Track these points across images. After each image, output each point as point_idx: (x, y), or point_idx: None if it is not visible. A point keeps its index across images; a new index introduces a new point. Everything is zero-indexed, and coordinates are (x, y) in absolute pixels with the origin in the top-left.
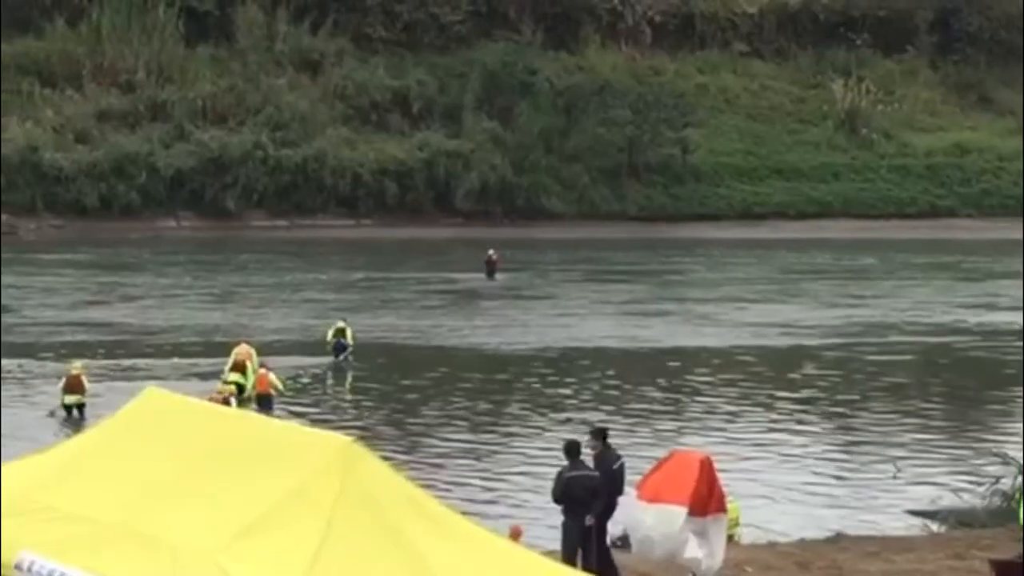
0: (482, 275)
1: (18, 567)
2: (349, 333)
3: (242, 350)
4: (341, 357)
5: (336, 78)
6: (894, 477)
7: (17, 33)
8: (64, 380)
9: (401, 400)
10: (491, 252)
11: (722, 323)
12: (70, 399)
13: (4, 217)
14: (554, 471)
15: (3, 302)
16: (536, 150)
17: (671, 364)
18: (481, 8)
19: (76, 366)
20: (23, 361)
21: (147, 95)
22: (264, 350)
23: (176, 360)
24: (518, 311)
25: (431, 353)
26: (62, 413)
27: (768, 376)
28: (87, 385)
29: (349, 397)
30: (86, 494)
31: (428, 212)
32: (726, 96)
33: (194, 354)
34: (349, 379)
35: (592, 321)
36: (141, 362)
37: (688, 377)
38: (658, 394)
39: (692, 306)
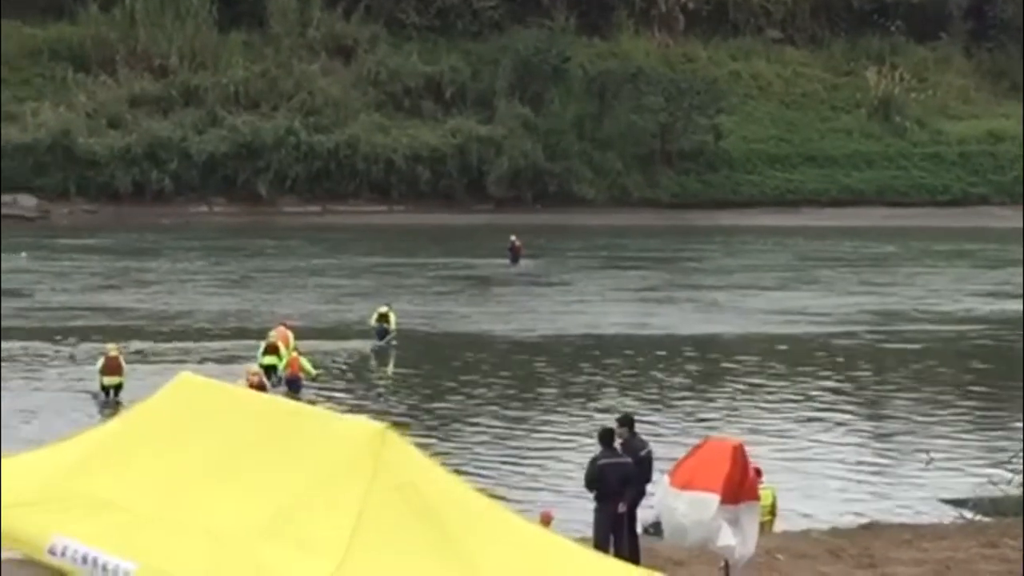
0: (505, 261)
1: (51, 552)
2: (392, 318)
3: (280, 332)
4: (384, 341)
5: (369, 64)
6: (926, 465)
7: (51, 18)
8: (102, 362)
9: (426, 385)
10: (514, 238)
11: (733, 310)
12: (109, 380)
13: (36, 201)
14: (583, 458)
15: (18, 286)
16: (568, 136)
17: (686, 352)
18: None
19: (113, 348)
20: (30, 344)
21: (180, 80)
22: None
23: (187, 344)
24: (529, 298)
25: (441, 339)
26: (100, 395)
27: (785, 363)
28: (124, 366)
29: (381, 382)
30: (120, 480)
31: (460, 198)
32: (759, 83)
33: (205, 338)
34: (391, 364)
35: (603, 308)
36: (156, 346)
37: (703, 365)
38: (677, 381)
39: (705, 293)
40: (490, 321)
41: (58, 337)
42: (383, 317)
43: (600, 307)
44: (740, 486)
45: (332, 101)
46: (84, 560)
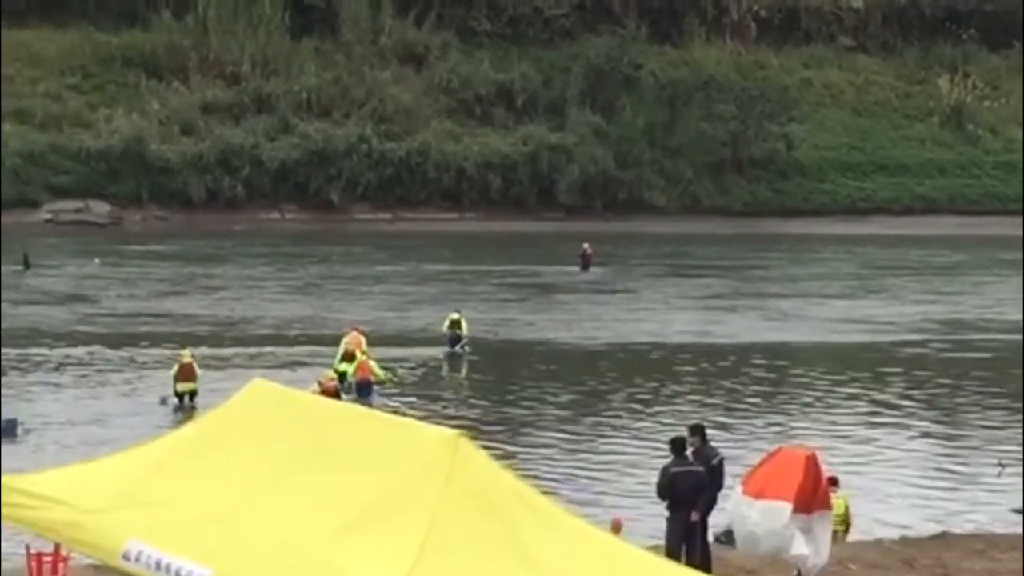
0: (573, 268)
1: (125, 556)
2: (464, 324)
3: (353, 338)
4: (456, 348)
5: (440, 71)
6: (998, 474)
7: (124, 25)
8: (177, 368)
9: (495, 392)
10: (586, 246)
11: (798, 319)
12: (183, 387)
13: (109, 208)
14: (652, 465)
15: (84, 292)
16: (639, 144)
17: (753, 360)
18: (586, 2)
19: (187, 354)
20: (96, 349)
21: (252, 87)
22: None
23: (252, 349)
24: (595, 305)
25: (508, 347)
26: (174, 400)
27: (852, 371)
28: (199, 372)
29: (452, 389)
30: (194, 485)
31: (531, 206)
32: (831, 91)
33: (271, 343)
34: (463, 370)
35: (669, 316)
36: (222, 352)
37: (771, 373)
38: (746, 389)
39: (770, 301)
40: (556, 328)
41: (125, 343)
42: (455, 324)
43: (666, 315)
44: (813, 495)
45: (403, 108)
46: (158, 566)
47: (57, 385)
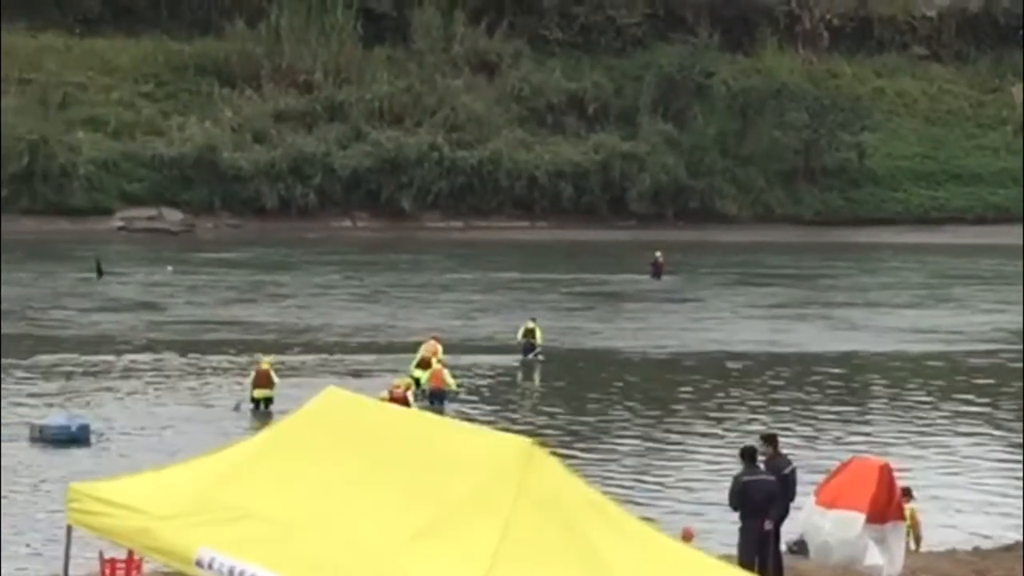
0: (644, 277)
1: (198, 563)
2: (538, 333)
3: (430, 346)
4: (530, 356)
5: (512, 80)
6: None
7: (197, 33)
8: (253, 374)
9: (566, 401)
10: (658, 255)
11: (865, 328)
12: (259, 393)
13: (181, 216)
14: (725, 474)
15: (152, 299)
16: (711, 153)
17: (821, 369)
18: (658, 11)
19: (265, 361)
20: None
21: (324, 96)
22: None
23: (322, 356)
24: (663, 314)
25: (577, 355)
26: (248, 406)
27: (922, 380)
28: (275, 380)
29: (524, 397)
30: (267, 492)
31: (602, 214)
32: (904, 100)
33: (339, 351)
34: (536, 379)
35: (737, 325)
36: (291, 359)
37: (840, 382)
38: (814, 397)
39: (837, 311)
40: (626, 337)
41: (194, 350)
42: (530, 332)
43: (733, 324)
44: (887, 506)
45: (475, 117)
46: (231, 573)
47: (128, 392)
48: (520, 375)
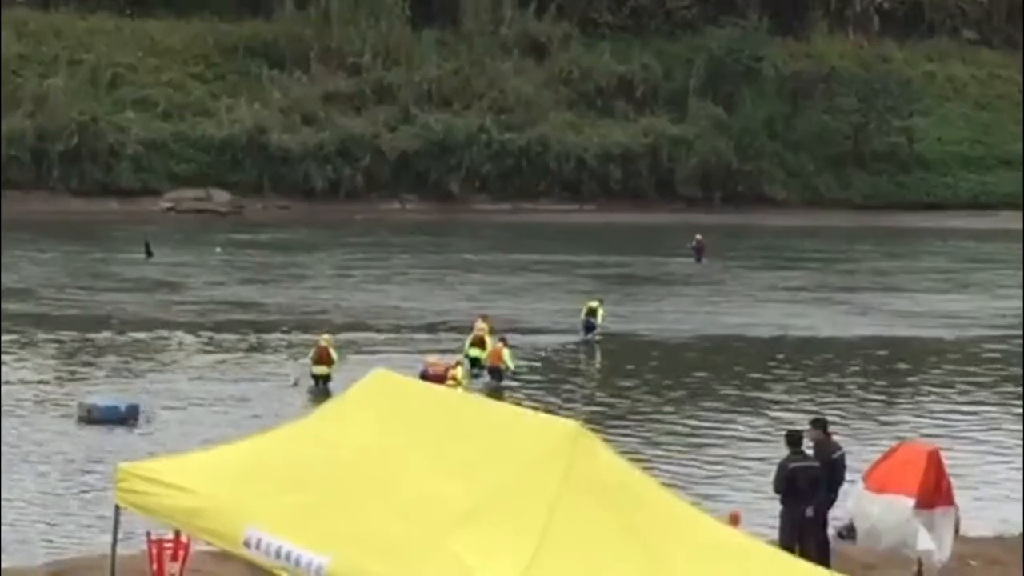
0: (689, 260)
1: (246, 544)
2: (600, 313)
3: (484, 324)
4: (589, 336)
5: (561, 62)
6: None
7: (247, 15)
8: (314, 351)
9: (613, 383)
10: (699, 237)
11: (877, 311)
12: (318, 370)
13: (229, 197)
14: (767, 457)
15: (173, 279)
16: (760, 136)
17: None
18: None
19: (324, 339)
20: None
21: (373, 78)
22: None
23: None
24: (707, 296)
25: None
26: (308, 383)
27: (944, 366)
28: (335, 357)
29: (572, 379)
30: (313, 473)
31: (651, 197)
32: (954, 84)
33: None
34: (596, 359)
35: (744, 307)
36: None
37: (885, 366)
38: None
39: (845, 295)
40: (668, 320)
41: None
42: (592, 311)
43: (746, 307)
44: (935, 491)
45: (524, 99)
46: (278, 554)
47: (180, 369)
48: (582, 355)
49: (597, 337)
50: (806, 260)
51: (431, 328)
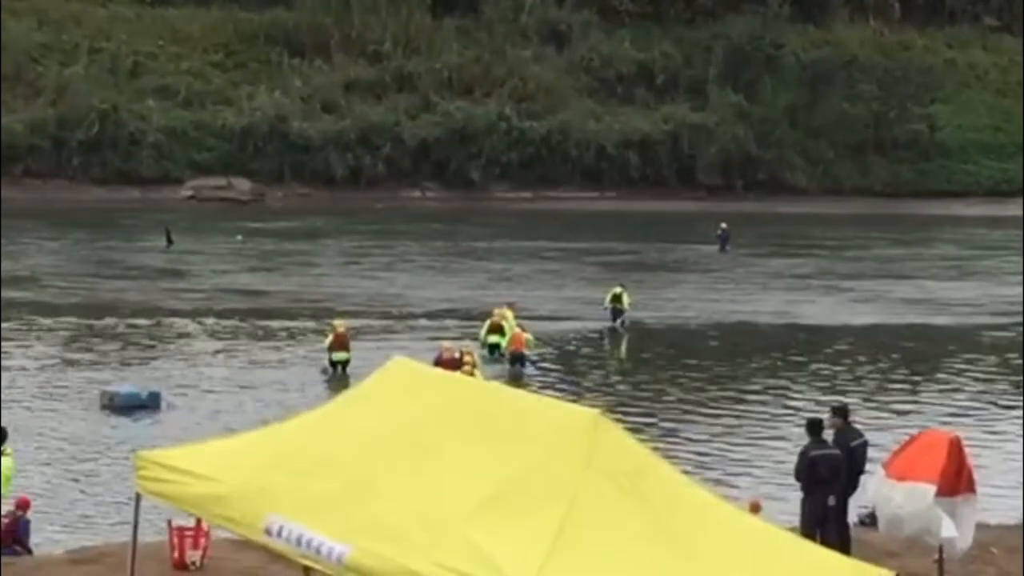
0: (713, 248)
1: (267, 532)
2: (625, 299)
3: (502, 311)
4: (617, 323)
5: (582, 50)
6: None
7: (267, 3)
8: (332, 337)
9: (633, 371)
10: (724, 225)
11: (881, 299)
12: (337, 356)
13: (250, 185)
14: (788, 445)
15: (180, 267)
16: (781, 124)
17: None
18: None
19: (341, 324)
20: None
21: (394, 66)
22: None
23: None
24: (724, 283)
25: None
26: (328, 368)
27: (955, 354)
28: (351, 343)
29: (591, 366)
30: (333, 461)
31: (671, 185)
32: (975, 72)
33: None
34: (623, 347)
35: (763, 295)
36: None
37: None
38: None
39: (851, 282)
40: (671, 308)
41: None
42: (616, 298)
43: (781, 296)
44: (957, 478)
45: (545, 87)
46: (299, 542)
47: (199, 358)
48: (607, 342)
49: (625, 324)
50: (816, 247)
51: (432, 316)
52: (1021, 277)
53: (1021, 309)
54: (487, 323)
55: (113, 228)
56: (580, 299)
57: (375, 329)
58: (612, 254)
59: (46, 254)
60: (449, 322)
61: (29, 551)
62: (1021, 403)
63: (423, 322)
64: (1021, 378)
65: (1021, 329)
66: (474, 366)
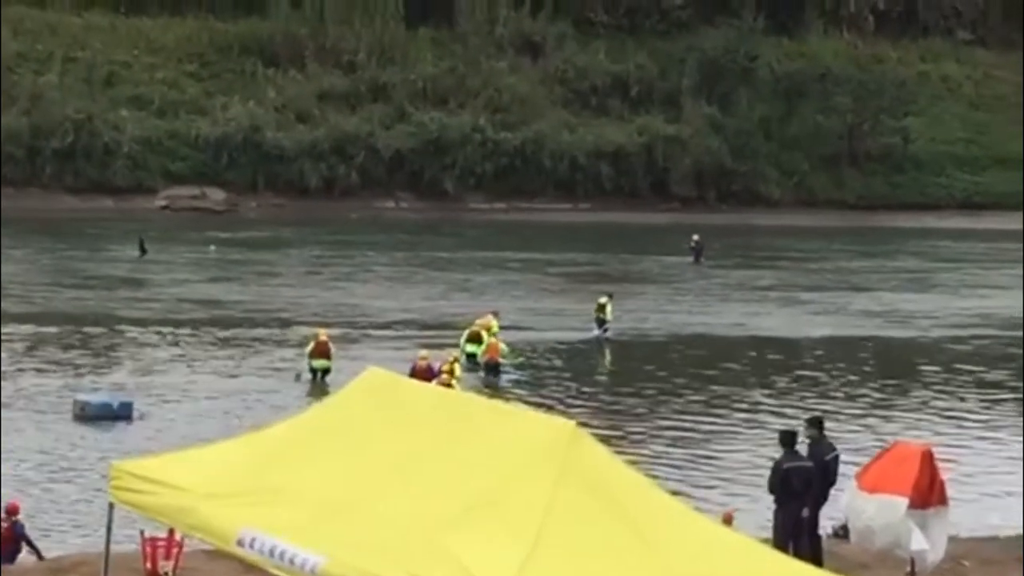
0: (687, 259)
1: (240, 543)
2: (608, 309)
3: (482, 322)
4: (600, 332)
5: (557, 62)
6: None
7: (241, 13)
8: (313, 345)
9: (607, 382)
10: (696, 237)
11: (833, 312)
12: (318, 363)
13: (225, 195)
14: (761, 456)
15: (142, 276)
16: (755, 136)
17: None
18: None
19: (323, 333)
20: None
21: (368, 76)
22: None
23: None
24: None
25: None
26: (307, 376)
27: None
28: (333, 351)
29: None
30: (308, 472)
31: (645, 196)
32: (948, 84)
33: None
34: (606, 357)
35: (721, 307)
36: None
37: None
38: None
39: (809, 295)
40: (630, 320)
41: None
42: (601, 308)
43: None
44: (929, 491)
45: (519, 98)
46: (272, 553)
47: (171, 365)
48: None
49: (607, 333)
50: (781, 259)
51: (389, 326)
52: (979, 290)
53: (976, 322)
54: (466, 332)
55: (80, 237)
56: (537, 310)
57: (334, 339)
58: (575, 265)
59: (9, 263)
60: (408, 332)
61: (38, 552)
62: (1022, 412)
63: (379, 332)
64: (985, 390)
65: (998, 341)
66: (452, 375)
